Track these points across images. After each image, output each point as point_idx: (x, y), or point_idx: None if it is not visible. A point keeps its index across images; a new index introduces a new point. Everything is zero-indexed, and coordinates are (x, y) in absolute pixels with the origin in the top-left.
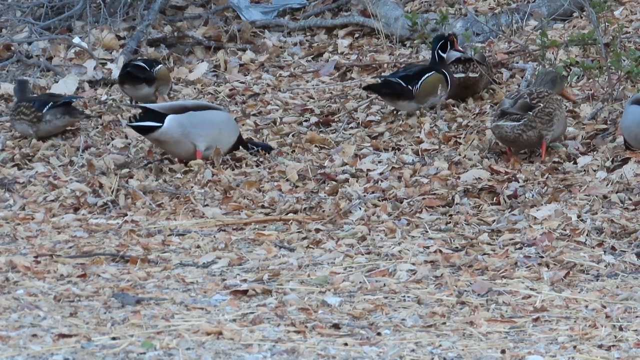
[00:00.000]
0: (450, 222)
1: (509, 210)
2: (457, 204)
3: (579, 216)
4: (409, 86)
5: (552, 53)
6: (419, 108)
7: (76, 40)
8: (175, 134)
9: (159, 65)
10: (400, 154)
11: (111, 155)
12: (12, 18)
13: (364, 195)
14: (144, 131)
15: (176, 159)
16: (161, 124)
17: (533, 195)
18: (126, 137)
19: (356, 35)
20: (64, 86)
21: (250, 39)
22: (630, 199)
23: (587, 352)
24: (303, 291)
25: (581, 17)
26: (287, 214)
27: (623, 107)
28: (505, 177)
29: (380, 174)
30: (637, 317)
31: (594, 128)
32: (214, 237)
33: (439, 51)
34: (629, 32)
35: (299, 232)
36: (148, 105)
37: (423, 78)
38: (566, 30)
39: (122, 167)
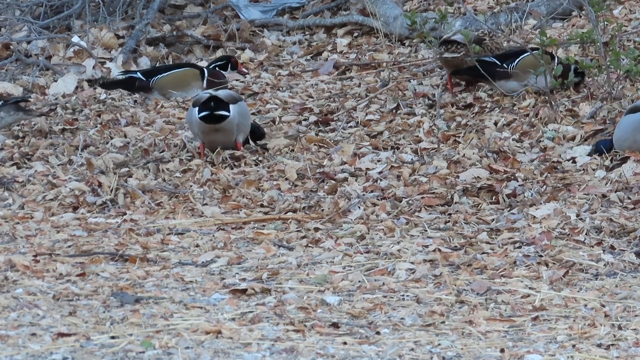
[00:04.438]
0: (449, 221)
1: (508, 209)
2: (456, 203)
3: (578, 215)
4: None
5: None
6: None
7: (75, 39)
8: (234, 123)
9: (162, 75)
10: (399, 153)
11: (110, 154)
12: (11, 17)
13: (363, 194)
14: (216, 119)
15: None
16: (229, 113)
17: (532, 194)
18: (125, 136)
19: (355, 34)
20: (63, 85)
21: (249, 37)
22: (629, 198)
23: (586, 351)
24: (302, 290)
25: (580, 16)
26: (286, 213)
27: (622, 107)
28: (505, 176)
29: (379, 173)
30: (636, 316)
31: (592, 128)
32: (213, 236)
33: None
34: (628, 31)
35: (298, 231)
36: (217, 94)
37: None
38: (565, 29)
39: (121, 166)
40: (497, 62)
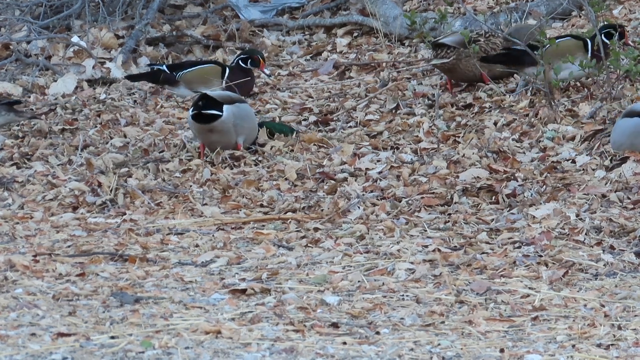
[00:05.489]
0: (449, 221)
1: (508, 209)
2: (455, 202)
3: (577, 215)
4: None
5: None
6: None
7: (75, 39)
8: (229, 124)
9: (188, 69)
10: (399, 153)
11: (110, 154)
12: (11, 17)
13: (363, 194)
14: (207, 119)
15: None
16: (222, 113)
17: (532, 194)
18: (125, 136)
19: (355, 34)
20: (63, 85)
21: (249, 37)
22: (629, 198)
23: (586, 351)
24: (302, 290)
25: (580, 16)
26: (285, 212)
27: (622, 107)
28: (504, 176)
29: (379, 173)
30: (635, 316)
31: (592, 128)
32: (213, 236)
33: (603, 36)
34: (628, 31)
35: (297, 231)
36: (209, 92)
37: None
38: (565, 29)
39: (121, 166)
40: (528, 50)
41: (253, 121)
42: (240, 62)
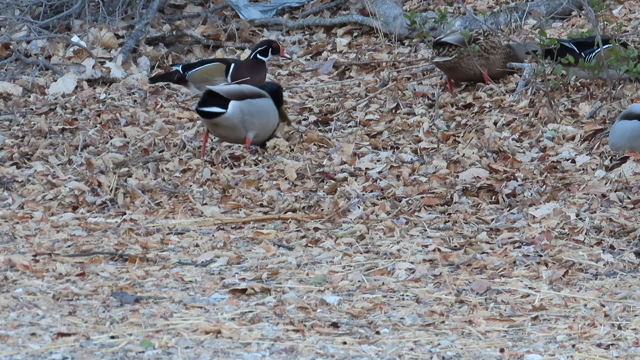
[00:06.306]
0: (449, 221)
1: (508, 209)
2: (455, 202)
3: (577, 215)
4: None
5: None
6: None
7: (75, 39)
8: (235, 121)
9: (195, 68)
10: (398, 152)
11: (110, 154)
12: (11, 17)
13: (363, 194)
14: (209, 115)
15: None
16: (225, 110)
17: (532, 194)
18: (125, 136)
19: (355, 34)
20: (63, 85)
21: (248, 37)
22: (628, 198)
23: (586, 351)
24: (302, 290)
25: (580, 16)
26: (285, 212)
27: (622, 106)
28: (504, 175)
29: (379, 172)
30: (635, 315)
31: (592, 127)
32: (213, 235)
33: None
34: (628, 31)
35: (297, 230)
36: (213, 88)
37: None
38: (565, 29)
39: (121, 165)
40: (576, 50)
41: (267, 117)
42: (258, 55)
